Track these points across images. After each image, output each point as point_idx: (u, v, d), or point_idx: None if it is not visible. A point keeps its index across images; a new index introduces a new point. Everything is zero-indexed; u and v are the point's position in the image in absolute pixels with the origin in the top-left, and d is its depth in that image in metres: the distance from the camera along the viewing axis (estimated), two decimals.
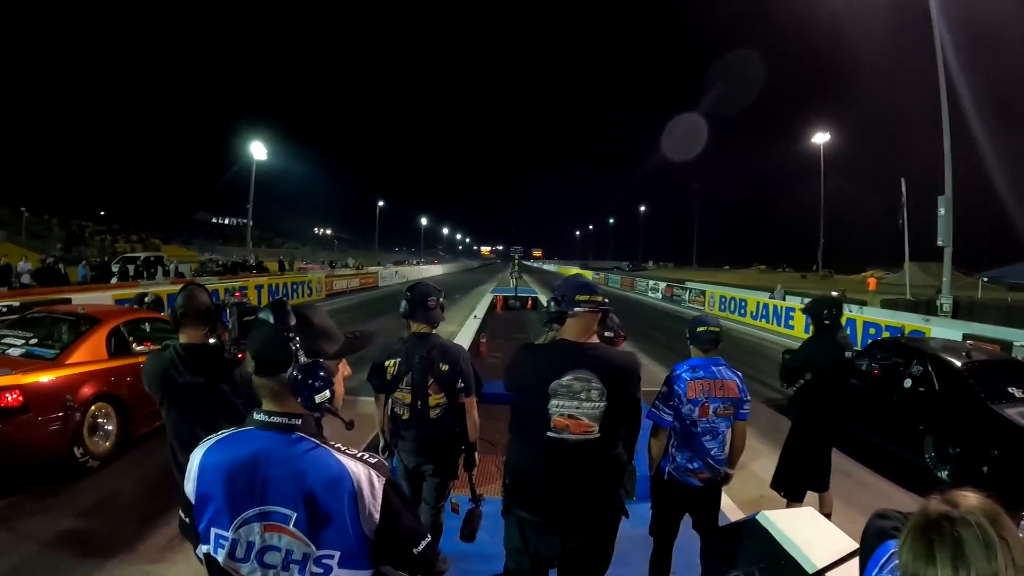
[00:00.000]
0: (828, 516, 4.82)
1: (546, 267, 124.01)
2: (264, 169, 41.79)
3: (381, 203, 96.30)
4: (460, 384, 3.71)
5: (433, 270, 69.92)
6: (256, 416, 1.61)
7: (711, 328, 3.71)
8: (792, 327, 19.79)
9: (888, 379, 7.73)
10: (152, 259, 33.79)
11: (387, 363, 3.73)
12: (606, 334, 3.96)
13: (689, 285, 34.17)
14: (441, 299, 3.90)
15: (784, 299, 22.57)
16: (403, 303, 3.82)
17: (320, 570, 1.51)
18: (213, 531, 1.54)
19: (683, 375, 3.62)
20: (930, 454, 6.68)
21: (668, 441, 3.69)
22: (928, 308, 19.67)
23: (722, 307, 26.18)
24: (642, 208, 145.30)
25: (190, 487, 1.58)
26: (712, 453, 3.61)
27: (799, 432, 5.10)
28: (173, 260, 39.11)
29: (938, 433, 6.67)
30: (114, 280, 26.10)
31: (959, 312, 18.75)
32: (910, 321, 15.39)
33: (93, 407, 6.39)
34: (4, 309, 13.04)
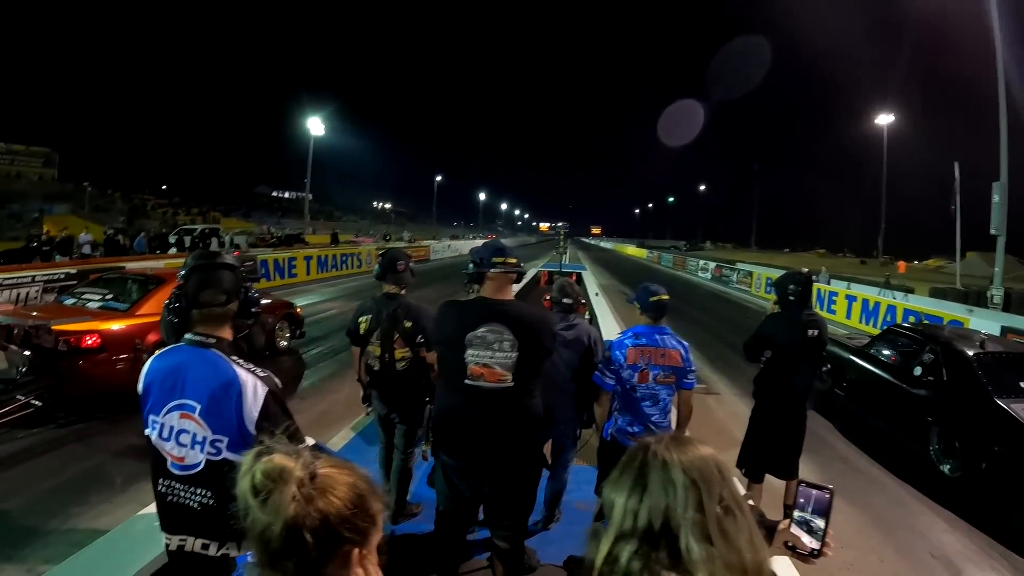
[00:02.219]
0: (791, 507, 4.88)
1: (603, 245, 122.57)
2: (324, 143, 42.16)
3: (439, 178, 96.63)
4: (420, 339, 4.04)
5: (486, 241, 69.26)
6: (186, 336, 2.12)
7: (661, 297, 3.78)
8: (834, 311, 19.32)
9: (900, 365, 7.52)
10: (208, 231, 34.94)
11: (360, 320, 4.18)
12: (564, 300, 4.19)
13: (738, 266, 33.56)
14: (411, 264, 4.28)
15: (828, 283, 22.12)
16: (376, 266, 4.24)
17: (214, 451, 2.02)
18: (150, 417, 2.08)
19: (625, 341, 3.71)
20: (935, 446, 6.46)
21: (612, 404, 3.81)
22: (979, 299, 19.07)
23: (768, 289, 25.43)
24: (702, 187, 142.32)
25: (140, 386, 2.11)
26: (653, 419, 3.68)
27: (759, 413, 4.98)
28: (229, 232, 40.26)
29: (943, 425, 6.44)
30: (172, 251, 27.17)
31: (1011, 304, 18.12)
32: (952, 311, 14.82)
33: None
34: (63, 276, 14.19)
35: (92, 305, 7.80)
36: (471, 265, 3.00)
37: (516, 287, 3.19)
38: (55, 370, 6.88)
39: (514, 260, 2.95)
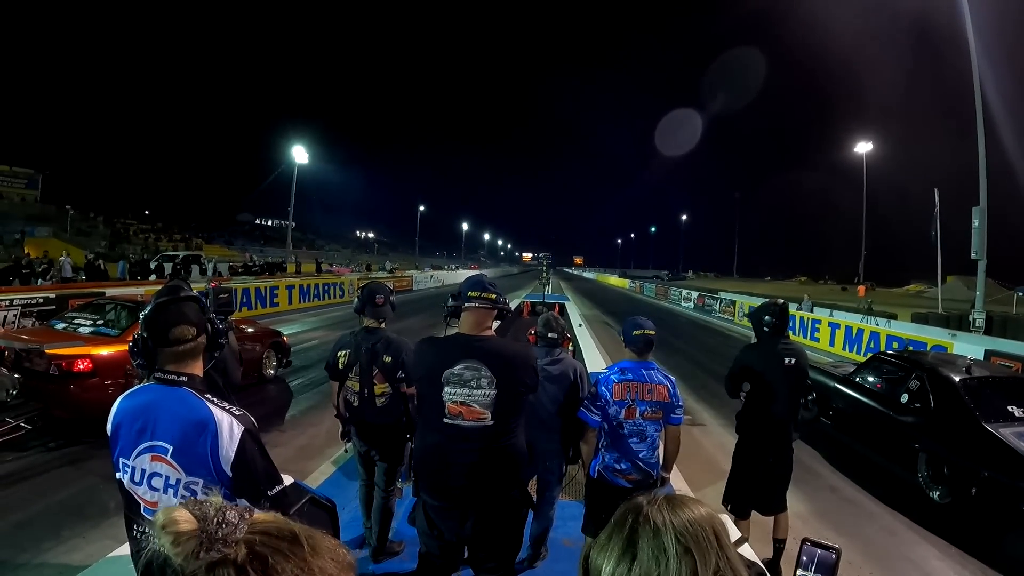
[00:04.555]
0: (782, 541, 4.67)
1: (586, 275, 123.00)
2: (307, 172, 41.94)
3: (422, 208, 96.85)
4: (400, 374, 3.95)
5: (471, 275, 69.56)
6: (155, 374, 1.99)
7: (646, 332, 3.68)
8: (817, 339, 19.45)
9: (886, 393, 7.50)
10: (190, 258, 34.90)
11: (339, 354, 4.09)
12: (549, 335, 4.13)
13: (721, 295, 33.75)
14: (391, 297, 4.18)
15: (811, 311, 22.21)
16: (355, 300, 4.17)
17: (188, 493, 1.88)
18: (121, 461, 1.95)
19: (611, 377, 3.62)
20: (923, 473, 6.42)
21: (599, 441, 3.70)
22: (960, 323, 19.19)
23: None
24: (684, 217, 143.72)
25: (109, 427, 1.98)
26: (641, 455, 3.59)
27: (743, 448, 4.88)
28: (212, 258, 40.17)
29: (931, 451, 6.40)
30: (152, 277, 26.99)
31: (992, 328, 18.23)
32: (934, 336, 14.92)
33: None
34: (41, 300, 14.01)
35: (83, 330, 7.91)
36: (450, 299, 2.95)
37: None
38: (46, 393, 6.94)
39: (492, 295, 2.86)
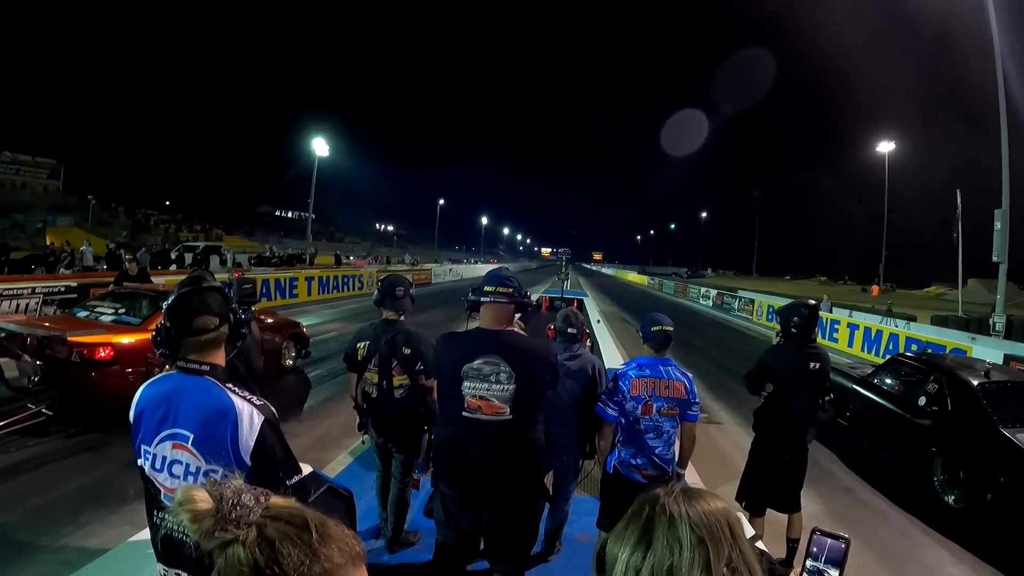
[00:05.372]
0: (795, 541, 4.65)
1: (605, 271, 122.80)
2: (328, 165, 41.94)
3: (442, 202, 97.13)
4: (419, 366, 3.97)
5: (491, 268, 69.50)
6: (178, 363, 2.00)
7: (664, 328, 3.71)
8: (836, 340, 19.26)
9: (904, 396, 7.45)
10: (210, 248, 35.22)
11: (358, 345, 4.11)
12: (569, 330, 4.14)
13: (740, 293, 33.56)
14: (411, 290, 4.20)
15: (830, 311, 22.00)
16: (375, 292, 4.18)
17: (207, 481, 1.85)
18: (143, 447, 1.96)
19: (629, 372, 3.64)
20: (939, 477, 6.40)
21: (615, 436, 3.73)
22: (980, 326, 18.97)
23: (770, 317, 25.30)
24: (703, 215, 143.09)
25: (131, 414, 2.00)
26: (657, 451, 3.61)
27: (759, 445, 4.86)
28: (231, 250, 40.45)
29: (948, 455, 6.37)
30: (172, 267, 27.31)
31: (1012, 332, 18.01)
32: (954, 339, 14.76)
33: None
34: (63, 288, 14.28)
35: (105, 319, 8.04)
36: (470, 292, 2.97)
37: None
38: (67, 380, 7.01)
39: (508, 289, 2.87)
